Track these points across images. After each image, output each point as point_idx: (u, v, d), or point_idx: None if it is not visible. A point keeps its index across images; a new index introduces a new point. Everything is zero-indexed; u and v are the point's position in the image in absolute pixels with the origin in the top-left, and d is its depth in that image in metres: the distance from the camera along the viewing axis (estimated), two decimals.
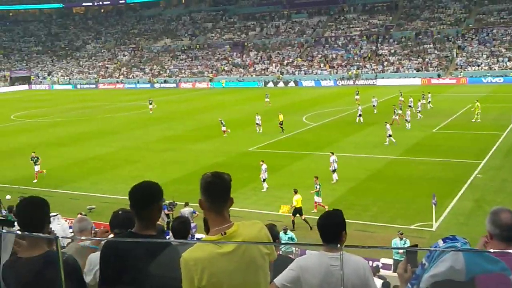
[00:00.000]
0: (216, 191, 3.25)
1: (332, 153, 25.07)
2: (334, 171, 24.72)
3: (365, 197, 22.47)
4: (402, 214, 20.25)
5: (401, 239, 15.36)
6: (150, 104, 52.21)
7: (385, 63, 76.74)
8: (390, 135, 31.74)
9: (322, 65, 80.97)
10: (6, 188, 26.31)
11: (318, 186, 21.10)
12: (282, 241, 14.49)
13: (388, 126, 32.02)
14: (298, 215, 19.60)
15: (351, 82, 73.21)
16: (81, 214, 17.50)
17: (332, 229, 3.77)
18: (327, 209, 20.82)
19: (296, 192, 19.82)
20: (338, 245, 3.66)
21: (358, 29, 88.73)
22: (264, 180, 23.92)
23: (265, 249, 3.28)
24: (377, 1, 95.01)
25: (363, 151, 30.75)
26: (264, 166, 23.91)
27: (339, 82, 73.77)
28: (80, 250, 4.54)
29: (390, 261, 15.10)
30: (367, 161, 28.54)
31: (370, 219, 19.87)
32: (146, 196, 3.52)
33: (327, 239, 3.76)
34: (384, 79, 71.82)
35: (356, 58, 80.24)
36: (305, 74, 79.87)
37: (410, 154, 29.47)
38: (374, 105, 43.77)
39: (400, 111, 39.03)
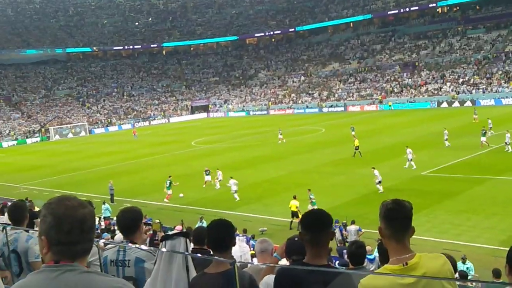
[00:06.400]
0: (397, 219, 3.20)
1: (374, 168, 28.16)
2: (379, 182, 27.27)
3: None
4: None
5: None
6: (280, 134, 51.86)
7: None
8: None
9: (503, 82, 74.88)
10: (188, 210, 28.51)
11: (311, 197, 24.43)
12: (459, 271, 13.58)
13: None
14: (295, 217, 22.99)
15: None
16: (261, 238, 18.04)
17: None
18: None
19: (294, 197, 24.00)
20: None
21: None
22: (235, 191, 29.13)
23: (448, 286, 3.10)
24: None
25: None
26: (232, 181, 29.53)
27: None
28: (255, 270, 4.62)
29: None
30: None
31: None
32: (320, 222, 3.51)
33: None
34: None
35: None
36: (483, 92, 74.50)
37: None
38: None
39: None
